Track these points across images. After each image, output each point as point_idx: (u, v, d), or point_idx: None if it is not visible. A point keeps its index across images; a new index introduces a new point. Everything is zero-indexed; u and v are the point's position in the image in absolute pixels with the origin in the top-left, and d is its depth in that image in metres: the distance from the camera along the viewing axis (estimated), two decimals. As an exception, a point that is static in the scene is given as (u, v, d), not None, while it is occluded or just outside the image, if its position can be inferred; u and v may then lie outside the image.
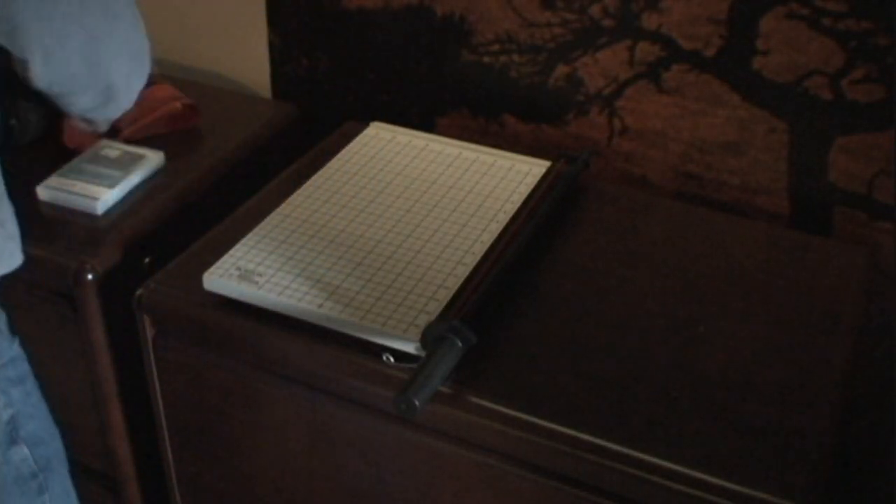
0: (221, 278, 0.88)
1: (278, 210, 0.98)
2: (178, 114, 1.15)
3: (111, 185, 1.04)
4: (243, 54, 1.31)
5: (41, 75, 0.84)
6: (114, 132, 1.12)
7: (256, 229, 0.94)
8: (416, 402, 0.73)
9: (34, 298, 1.01)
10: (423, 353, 0.79)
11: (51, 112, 1.12)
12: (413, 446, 0.83)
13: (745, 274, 0.93)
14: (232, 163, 1.14)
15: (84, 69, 0.85)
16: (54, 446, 0.95)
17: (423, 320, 0.82)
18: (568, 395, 0.79)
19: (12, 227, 0.86)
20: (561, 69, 1.12)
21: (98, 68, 0.86)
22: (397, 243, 0.93)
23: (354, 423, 0.85)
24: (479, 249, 0.92)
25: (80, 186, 1.03)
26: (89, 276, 0.96)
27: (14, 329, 0.90)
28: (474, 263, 0.90)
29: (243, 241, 0.93)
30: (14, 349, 0.88)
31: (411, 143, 1.09)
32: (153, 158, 1.09)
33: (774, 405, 0.79)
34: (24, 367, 0.89)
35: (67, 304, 0.98)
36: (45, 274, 0.98)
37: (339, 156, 1.07)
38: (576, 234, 0.98)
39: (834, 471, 0.77)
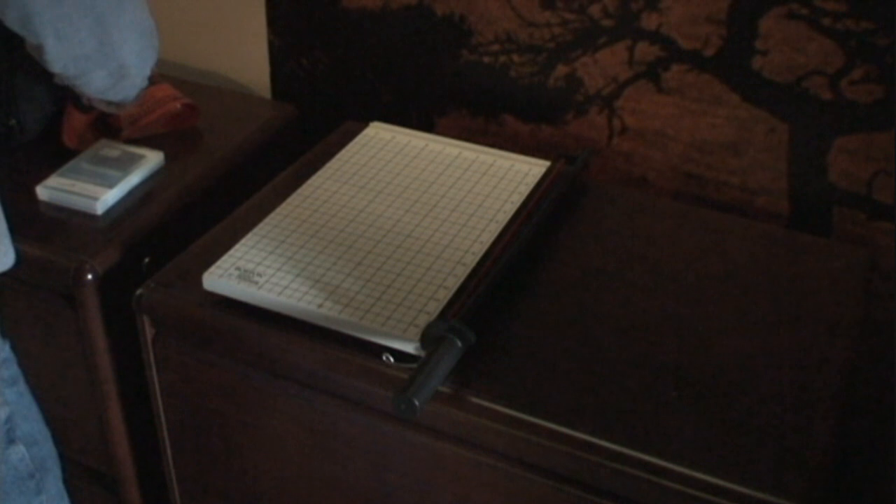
0: (221, 278, 0.88)
1: (278, 210, 0.98)
2: (177, 114, 1.15)
3: (111, 185, 1.04)
4: (243, 54, 1.31)
5: (56, 57, 0.87)
6: (114, 132, 1.13)
7: (256, 229, 0.94)
8: (416, 402, 0.73)
9: (34, 298, 1.01)
10: (422, 353, 0.79)
11: (51, 112, 1.12)
12: (413, 446, 0.83)
13: (745, 274, 0.93)
14: (231, 163, 1.14)
15: (96, 49, 0.88)
16: (48, 447, 0.95)
17: (423, 320, 0.82)
18: (568, 395, 0.79)
19: (2, 226, 0.86)
20: (560, 69, 1.12)
21: (109, 48, 0.89)
22: (397, 243, 0.93)
23: (354, 423, 0.85)
24: (479, 249, 0.92)
25: (79, 186, 1.03)
26: (89, 276, 0.96)
27: (4, 331, 0.90)
28: (474, 263, 0.90)
29: (243, 240, 0.93)
30: (6, 350, 0.89)
31: (411, 143, 1.09)
32: (153, 158, 1.09)
33: (774, 405, 0.79)
34: (15, 369, 0.90)
35: (67, 304, 0.98)
36: (45, 274, 0.98)
37: (338, 156, 1.07)
38: (575, 235, 0.98)
39: (834, 471, 0.77)
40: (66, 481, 1.04)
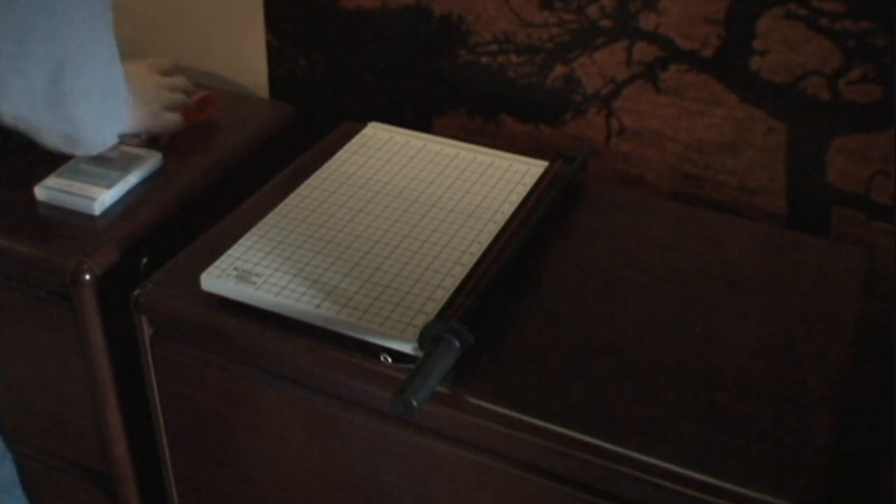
0: (219, 279, 0.88)
1: (276, 210, 0.97)
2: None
3: (109, 186, 1.03)
4: (241, 54, 1.31)
5: (6, 113, 0.86)
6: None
7: (254, 229, 0.94)
8: (414, 403, 0.73)
9: (32, 298, 1.01)
10: (420, 354, 0.79)
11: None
12: (411, 446, 0.83)
13: (744, 274, 0.93)
14: (230, 163, 1.14)
15: (48, 111, 0.87)
16: (3, 471, 0.93)
17: (421, 320, 0.82)
18: (566, 395, 0.79)
19: None
20: (559, 69, 1.12)
21: (62, 112, 0.88)
22: (395, 243, 0.92)
23: (352, 424, 0.85)
24: (477, 250, 0.91)
25: (77, 187, 1.03)
26: (87, 277, 0.96)
27: None
28: (472, 264, 0.90)
29: (241, 241, 0.93)
30: None
31: (409, 144, 1.09)
32: (151, 159, 1.09)
33: (774, 405, 0.78)
34: None
35: (65, 304, 0.98)
36: (43, 274, 0.98)
37: (336, 156, 1.07)
38: (573, 235, 0.98)
39: (834, 471, 0.77)
40: (62, 482, 1.03)
